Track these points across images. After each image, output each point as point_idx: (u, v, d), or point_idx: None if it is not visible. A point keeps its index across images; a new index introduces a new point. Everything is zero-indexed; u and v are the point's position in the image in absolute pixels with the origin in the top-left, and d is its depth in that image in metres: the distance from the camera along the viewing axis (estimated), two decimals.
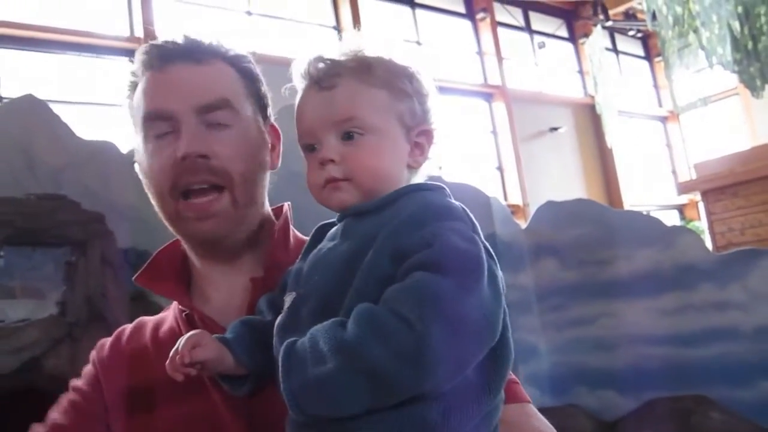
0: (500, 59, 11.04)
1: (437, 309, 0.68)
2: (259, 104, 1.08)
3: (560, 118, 11.65)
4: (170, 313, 1.10)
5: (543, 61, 12.16)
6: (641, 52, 14.33)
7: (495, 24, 11.22)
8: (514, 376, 0.94)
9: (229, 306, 1.02)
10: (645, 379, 4.48)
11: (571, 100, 12.23)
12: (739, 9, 7.32)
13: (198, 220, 0.99)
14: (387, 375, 0.67)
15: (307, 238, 0.94)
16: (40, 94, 4.27)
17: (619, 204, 11.39)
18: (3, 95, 6.50)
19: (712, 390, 4.30)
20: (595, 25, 11.58)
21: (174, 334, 1.02)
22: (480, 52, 11.22)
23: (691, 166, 11.39)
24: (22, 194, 3.59)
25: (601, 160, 12.00)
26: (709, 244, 8.16)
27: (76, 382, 1.09)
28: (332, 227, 0.88)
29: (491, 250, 0.78)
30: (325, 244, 0.86)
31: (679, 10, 7.67)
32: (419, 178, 0.90)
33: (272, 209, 1.11)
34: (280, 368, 0.73)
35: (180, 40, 1.03)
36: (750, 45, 7.37)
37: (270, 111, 1.10)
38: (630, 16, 12.68)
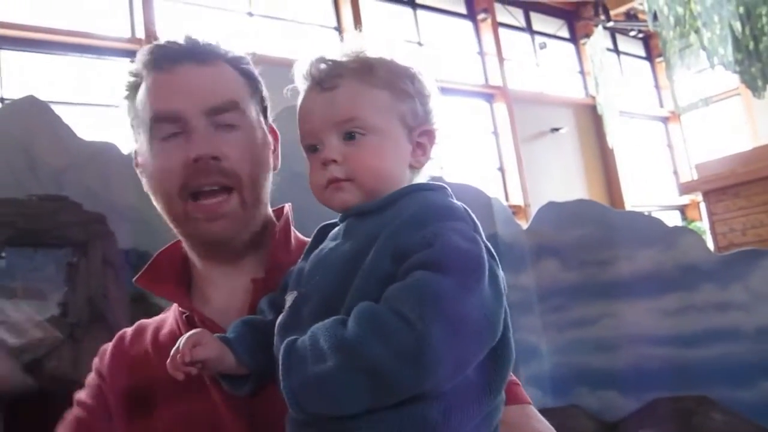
0: (501, 60, 11.04)
1: (438, 308, 0.68)
2: (261, 105, 1.08)
3: (561, 118, 11.65)
4: (170, 315, 1.10)
5: (544, 62, 12.16)
6: (642, 53, 14.33)
7: (496, 24, 11.23)
8: (514, 378, 0.94)
9: (230, 307, 1.01)
10: (646, 380, 4.48)
11: (572, 100, 12.23)
12: (741, 9, 7.31)
13: (208, 221, 0.99)
14: (387, 374, 0.67)
15: (308, 239, 0.94)
16: (42, 95, 4.27)
17: (621, 204, 11.39)
18: (4, 96, 6.51)
19: (714, 390, 4.30)
20: (596, 25, 11.58)
21: (174, 337, 1.01)
22: (481, 53, 11.22)
23: (692, 166, 11.37)
24: (23, 195, 3.59)
25: (603, 161, 12.00)
26: (710, 245, 8.16)
27: (81, 396, 1.09)
28: (334, 227, 0.88)
29: (493, 250, 0.78)
30: (327, 244, 0.86)
31: (680, 10, 7.67)
32: (421, 178, 0.90)
33: (273, 210, 1.11)
34: (280, 366, 0.73)
35: (182, 40, 1.03)
36: (751, 45, 7.36)
37: (269, 112, 1.11)
38: (631, 16, 12.68)
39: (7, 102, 6.17)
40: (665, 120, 14.03)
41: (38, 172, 3.89)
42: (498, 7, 11.41)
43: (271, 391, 0.81)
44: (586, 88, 12.56)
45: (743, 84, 7.93)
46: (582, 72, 12.70)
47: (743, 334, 4.34)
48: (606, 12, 11.87)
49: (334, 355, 0.68)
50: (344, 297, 0.76)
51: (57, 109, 4.25)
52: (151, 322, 1.13)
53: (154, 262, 1.08)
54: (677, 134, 13.94)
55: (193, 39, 1.03)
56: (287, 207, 1.12)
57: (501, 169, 10.77)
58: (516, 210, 9.62)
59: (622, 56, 13.67)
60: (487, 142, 10.87)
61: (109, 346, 1.12)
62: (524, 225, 5.55)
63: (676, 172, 13.62)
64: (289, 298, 0.84)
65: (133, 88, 1.04)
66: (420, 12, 10.63)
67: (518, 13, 12.02)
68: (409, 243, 0.74)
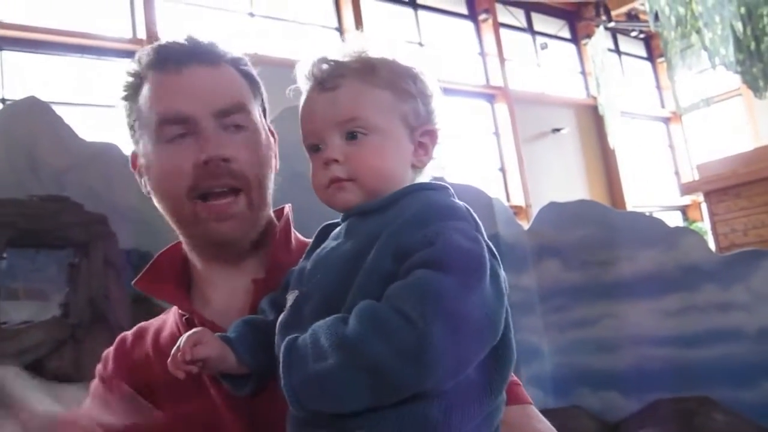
0: (502, 60, 11.05)
1: (439, 307, 0.68)
2: (262, 107, 1.09)
3: (563, 119, 11.65)
4: (170, 318, 1.10)
5: (545, 62, 12.16)
6: (644, 53, 14.33)
7: (497, 25, 11.23)
8: (516, 378, 0.94)
9: (230, 308, 1.01)
10: (648, 380, 4.48)
11: (573, 101, 12.23)
12: (742, 10, 7.30)
13: (217, 222, 0.99)
14: (388, 372, 0.67)
15: (309, 240, 0.94)
16: (43, 96, 4.28)
17: (622, 205, 11.38)
18: (6, 97, 6.52)
19: (715, 391, 4.30)
20: (598, 26, 11.57)
21: (175, 339, 1.01)
22: (482, 53, 11.22)
23: (693, 167, 11.37)
24: (25, 196, 3.59)
25: (604, 161, 12.00)
26: (711, 245, 8.15)
27: (86, 407, 1.08)
28: (336, 227, 0.88)
29: (494, 249, 0.78)
30: (329, 243, 0.86)
31: (681, 10, 7.66)
32: (424, 178, 0.90)
33: (273, 211, 1.11)
34: (281, 364, 0.73)
35: (184, 41, 1.02)
36: (753, 46, 7.36)
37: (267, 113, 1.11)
38: (632, 17, 12.68)
39: (8, 103, 6.18)
40: (666, 120, 14.03)
41: (40, 173, 3.90)
42: (499, 7, 11.42)
43: (271, 391, 0.80)
44: (587, 88, 12.56)
45: (744, 84, 7.93)
46: (583, 72, 12.70)
47: (745, 334, 4.34)
48: (607, 12, 11.87)
49: (335, 352, 0.68)
50: (345, 296, 0.76)
51: (58, 110, 4.26)
52: (151, 324, 1.13)
53: (153, 264, 1.08)
54: (678, 135, 13.93)
55: (195, 39, 1.03)
56: (287, 208, 1.13)
57: (502, 170, 10.77)
58: (517, 210, 9.62)
59: (623, 56, 13.67)
60: (488, 142, 10.87)
61: (110, 351, 1.11)
62: (525, 225, 5.55)
63: (677, 173, 13.62)
64: (291, 297, 0.84)
65: (134, 89, 1.03)
66: (421, 12, 10.63)
67: (519, 13, 12.02)
68: (411, 242, 0.74)
